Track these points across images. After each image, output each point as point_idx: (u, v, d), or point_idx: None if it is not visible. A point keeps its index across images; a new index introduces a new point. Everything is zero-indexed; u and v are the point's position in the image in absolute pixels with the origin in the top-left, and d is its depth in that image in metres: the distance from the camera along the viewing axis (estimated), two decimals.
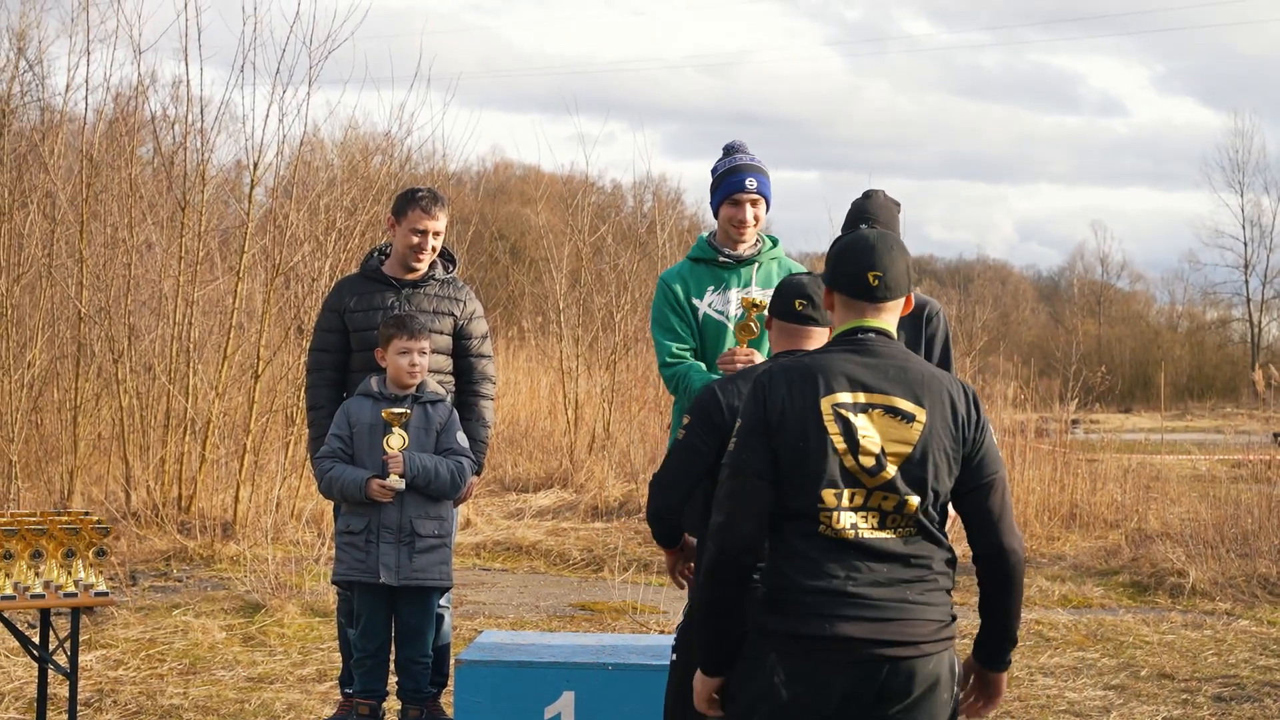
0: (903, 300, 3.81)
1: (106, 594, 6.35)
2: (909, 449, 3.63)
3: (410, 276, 6.53)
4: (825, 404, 3.63)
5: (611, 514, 13.79)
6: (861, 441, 3.61)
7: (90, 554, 6.34)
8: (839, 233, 6.22)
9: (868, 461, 3.61)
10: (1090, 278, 59.67)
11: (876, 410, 3.64)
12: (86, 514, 6.57)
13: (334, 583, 6.30)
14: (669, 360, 5.84)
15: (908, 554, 3.62)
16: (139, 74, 13.74)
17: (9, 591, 6.14)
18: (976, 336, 19.32)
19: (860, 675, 3.55)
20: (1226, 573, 11.15)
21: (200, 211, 12.13)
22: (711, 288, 5.88)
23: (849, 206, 6.14)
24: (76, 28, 12.41)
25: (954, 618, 3.69)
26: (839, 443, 3.60)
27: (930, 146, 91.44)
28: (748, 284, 5.84)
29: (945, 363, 6.20)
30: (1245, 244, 54.55)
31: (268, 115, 12.15)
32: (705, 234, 6.01)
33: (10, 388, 12.10)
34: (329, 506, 9.00)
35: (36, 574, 6.23)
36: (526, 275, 23.71)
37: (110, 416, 12.63)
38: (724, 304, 5.85)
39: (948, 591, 3.69)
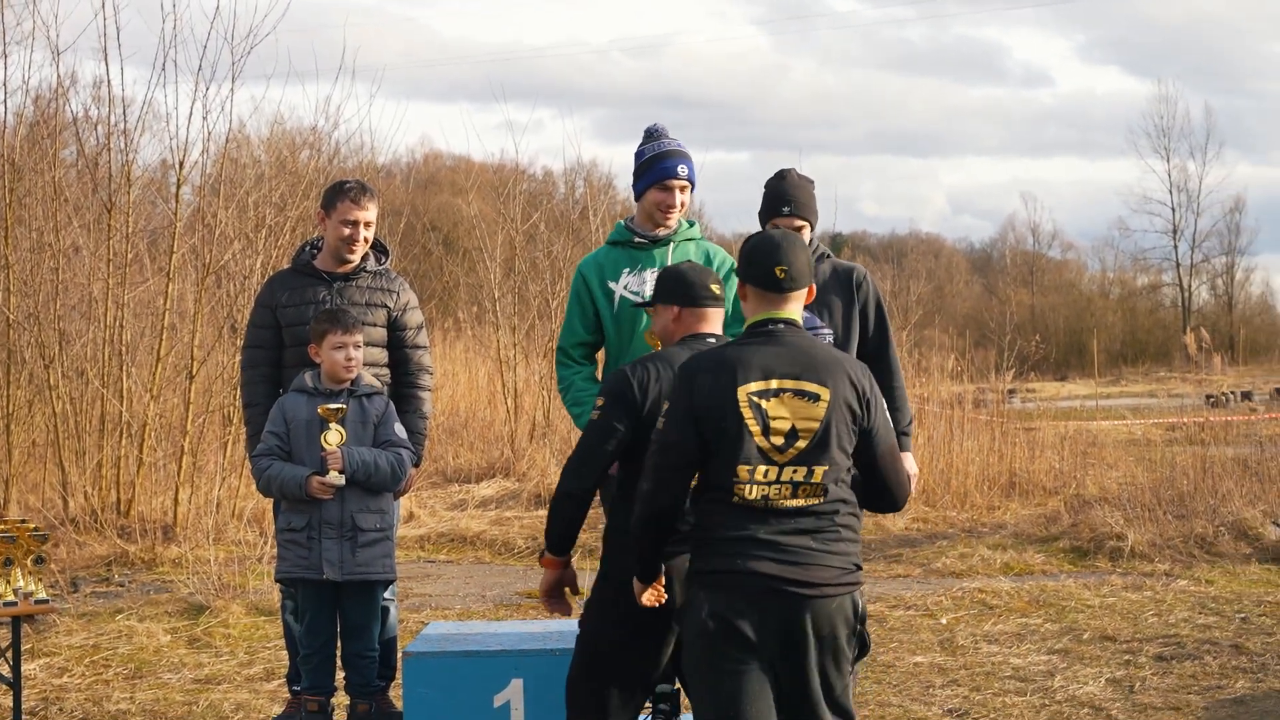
0: (805, 291, 4.43)
1: (47, 601, 6.32)
2: (816, 424, 4.23)
3: (342, 269, 6.50)
4: (741, 393, 4.22)
5: None
6: (772, 423, 4.21)
7: (29, 562, 6.30)
8: (760, 208, 6.32)
9: (778, 440, 4.21)
10: (1022, 248, 60.22)
11: (787, 393, 4.24)
12: (24, 522, 6.52)
13: (277, 580, 6.28)
14: (562, 356, 5.98)
15: (814, 511, 4.23)
16: (58, 75, 13.59)
17: None
18: (912, 310, 19.49)
19: (773, 609, 4.15)
20: (1164, 534, 11.31)
21: (127, 213, 12.04)
22: (627, 269, 5.93)
23: (765, 186, 6.20)
24: None
25: (858, 566, 4.30)
26: (753, 425, 4.20)
27: (859, 123, 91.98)
28: (663, 264, 5.88)
29: (881, 326, 6.26)
30: (1173, 209, 55.23)
31: (191, 113, 12.07)
32: (625, 219, 6.06)
33: None
34: (269, 505, 8.98)
35: None
36: (460, 266, 23.66)
37: (44, 423, 12.52)
38: (639, 285, 5.89)
39: (852, 541, 4.30)
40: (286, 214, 12.70)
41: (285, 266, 6.87)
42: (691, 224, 6.03)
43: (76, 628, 8.72)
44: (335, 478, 6.02)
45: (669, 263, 5.84)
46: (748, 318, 4.44)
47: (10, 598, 6.22)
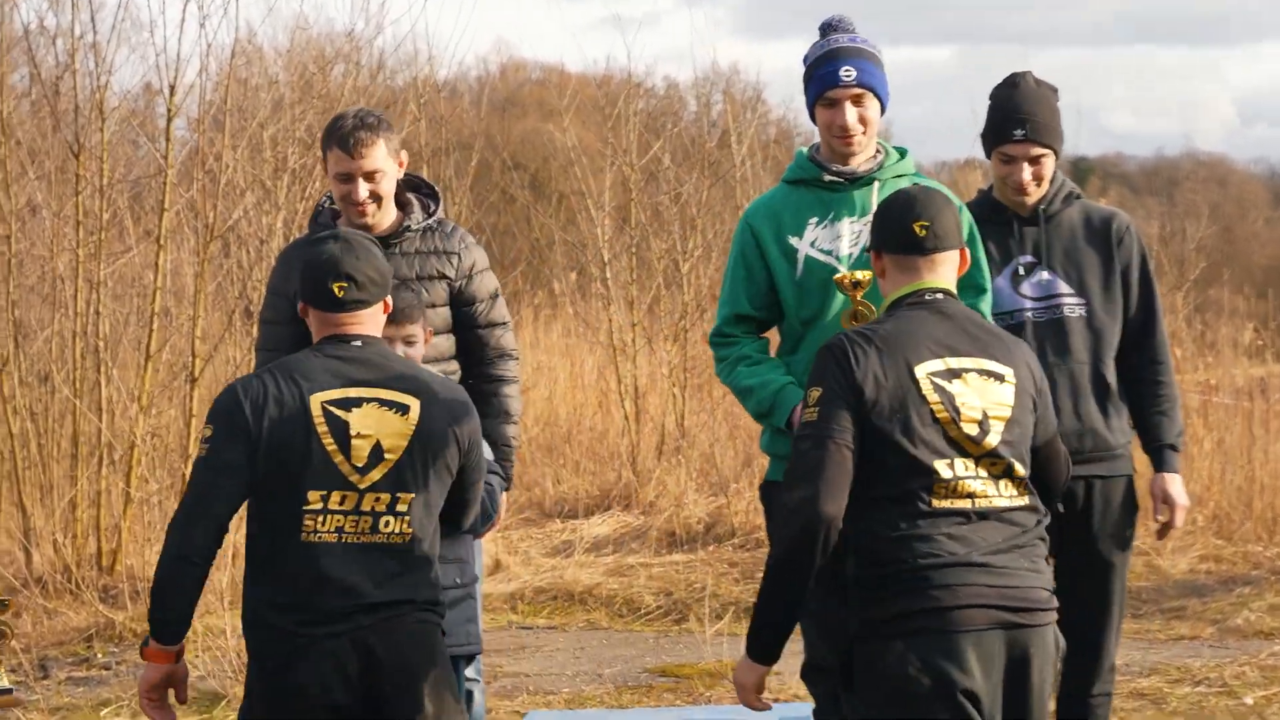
0: (956, 254, 4.95)
1: (10, 691, 6.44)
2: (1009, 410, 4.80)
3: (378, 233, 6.48)
4: (921, 372, 4.73)
5: (694, 542, 13.81)
6: (962, 409, 4.74)
7: None
8: (982, 129, 6.33)
9: (971, 429, 4.73)
10: None
11: (970, 373, 4.78)
12: None
13: None
14: (718, 338, 6.04)
15: (1019, 520, 4.78)
16: None
17: None
18: (1189, 263, 19.22)
19: (991, 643, 4.63)
20: None
21: (101, 157, 12.24)
22: (815, 220, 5.92)
23: (989, 98, 6.19)
24: None
25: (1055, 589, 4.82)
26: (941, 412, 4.72)
27: (1106, 2, 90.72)
28: (864, 213, 5.86)
29: (1148, 296, 6.24)
30: None
31: (184, 18, 12.24)
32: (806, 148, 6.04)
33: None
34: None
35: None
36: (556, 217, 23.72)
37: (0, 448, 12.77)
38: (832, 240, 5.88)
39: (1046, 558, 4.85)
40: (315, 153, 12.83)
41: (302, 234, 6.92)
42: (903, 154, 6.01)
43: None
44: None
45: (872, 209, 5.80)
46: (888, 294, 4.95)
47: None
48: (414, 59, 16.81)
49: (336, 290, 5.20)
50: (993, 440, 4.75)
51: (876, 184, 5.90)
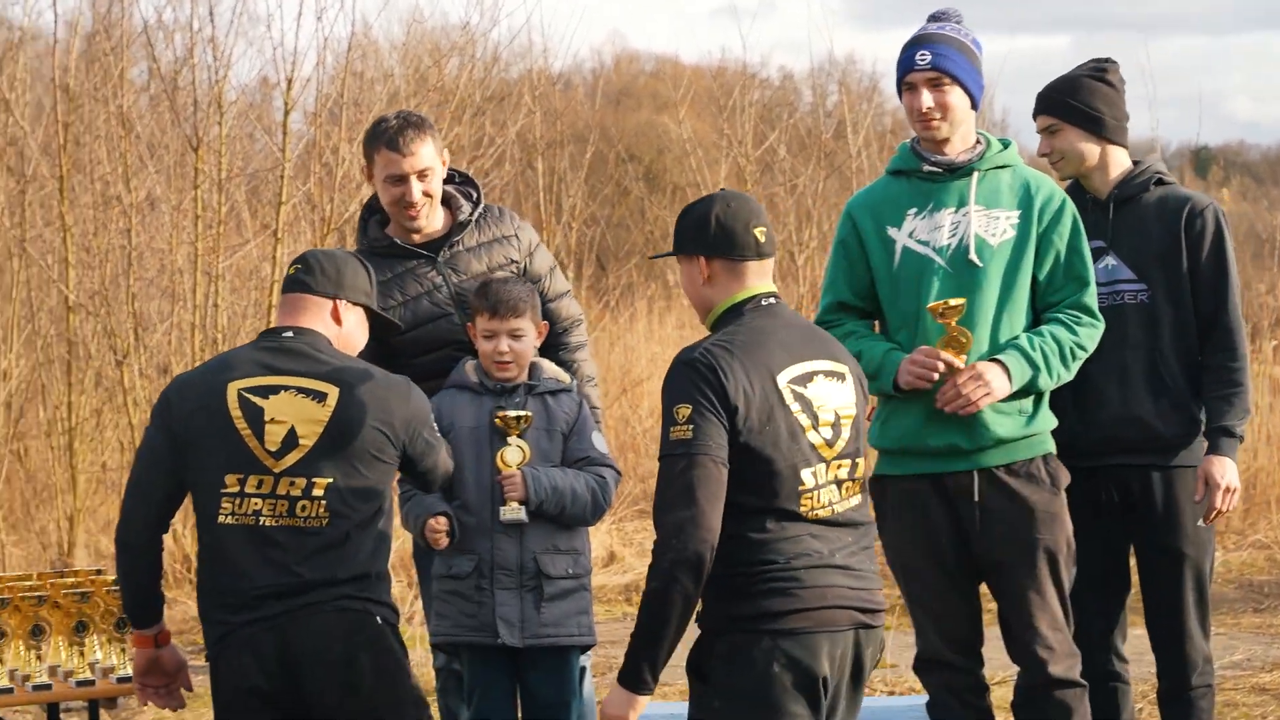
0: (773, 261, 5.03)
1: (131, 679, 6.54)
2: (854, 409, 4.92)
3: (430, 233, 6.48)
4: (782, 381, 4.79)
5: None
6: (819, 414, 4.83)
7: (108, 626, 6.51)
8: None
9: (827, 433, 4.84)
10: None
11: (819, 375, 4.88)
12: (99, 572, 6.75)
13: (434, 646, 6.39)
14: (820, 325, 5.94)
15: (862, 519, 4.94)
16: None
17: (4, 683, 6.31)
18: None
19: (846, 643, 4.81)
20: None
21: (219, 151, 12.35)
22: (914, 211, 5.94)
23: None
24: None
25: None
26: (802, 419, 4.80)
27: None
28: (962, 203, 5.86)
29: (1221, 280, 6.16)
30: None
31: (300, 12, 12.34)
32: (910, 140, 6.05)
33: None
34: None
35: (38, 657, 6.40)
36: (670, 208, 23.69)
37: (117, 438, 12.89)
38: (930, 231, 5.89)
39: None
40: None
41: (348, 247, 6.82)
42: (1006, 144, 6.01)
43: (168, 712, 8.99)
44: (515, 511, 6.06)
45: (971, 201, 5.86)
46: (717, 301, 5.00)
47: (85, 674, 6.43)
48: (528, 51, 16.86)
49: (289, 269, 5.52)
50: (843, 443, 4.87)
51: (975, 175, 5.90)
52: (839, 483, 4.86)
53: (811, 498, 4.79)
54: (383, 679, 5.25)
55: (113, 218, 12.68)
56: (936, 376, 5.72)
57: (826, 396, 4.86)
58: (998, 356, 5.75)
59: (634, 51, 40.84)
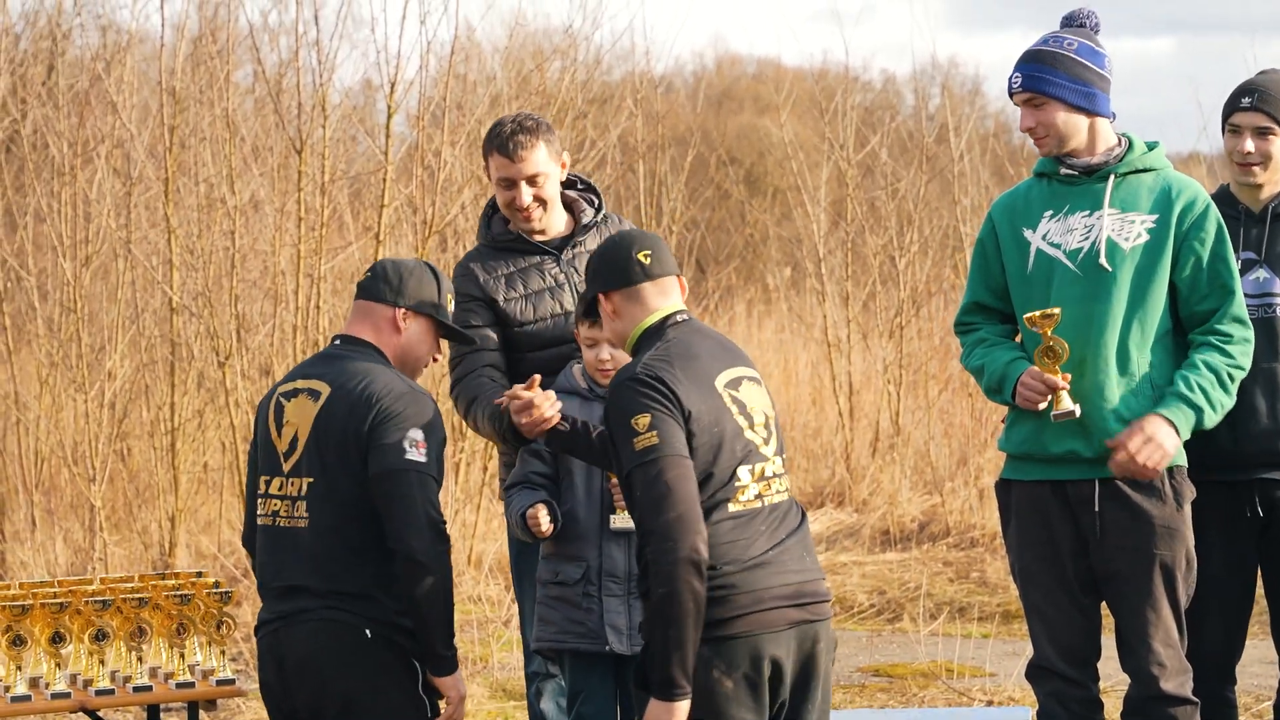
0: (675, 279, 5.26)
1: (232, 681, 6.58)
2: (773, 410, 5.21)
3: (556, 235, 6.56)
4: (719, 385, 5.05)
5: (909, 540, 13.75)
6: (753, 415, 5.10)
7: (208, 628, 6.56)
8: (1216, 124, 6.32)
9: (762, 432, 5.11)
10: None
11: (744, 381, 5.15)
12: (199, 574, 6.80)
13: (537, 652, 6.38)
14: (959, 326, 6.20)
15: (793, 512, 5.14)
16: None
17: (106, 684, 6.38)
18: None
19: (789, 641, 4.99)
20: None
21: (322, 154, 12.41)
22: (1050, 213, 5.95)
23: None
24: None
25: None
26: (741, 420, 5.06)
27: None
28: (1096, 206, 5.84)
29: (1219, 272, 5.95)
30: None
31: (405, 15, 12.36)
32: None
33: (86, 408, 12.53)
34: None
35: (139, 658, 6.47)
36: (771, 212, 23.72)
37: (220, 440, 12.99)
38: (1063, 234, 5.89)
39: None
40: None
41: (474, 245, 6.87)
42: (1152, 146, 5.97)
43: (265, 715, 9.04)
44: (625, 519, 5.99)
45: (1105, 204, 5.84)
46: (630, 330, 5.25)
47: (185, 676, 6.48)
48: (630, 54, 16.89)
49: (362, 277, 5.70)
50: (775, 441, 5.17)
51: (1112, 178, 5.87)
52: (775, 477, 5.12)
53: (747, 491, 5.02)
54: (372, 691, 5.31)
55: (217, 219, 12.75)
56: (1043, 405, 5.74)
57: (753, 399, 5.14)
58: (1160, 411, 5.72)
59: (735, 54, 40.86)
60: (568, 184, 6.71)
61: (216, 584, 6.66)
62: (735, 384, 5.13)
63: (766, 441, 5.13)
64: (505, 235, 6.59)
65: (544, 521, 6.02)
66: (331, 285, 12.93)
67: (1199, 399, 5.72)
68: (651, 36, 24.80)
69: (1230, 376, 5.78)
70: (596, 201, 6.69)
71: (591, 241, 6.53)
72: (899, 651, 10.63)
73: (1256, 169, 6.21)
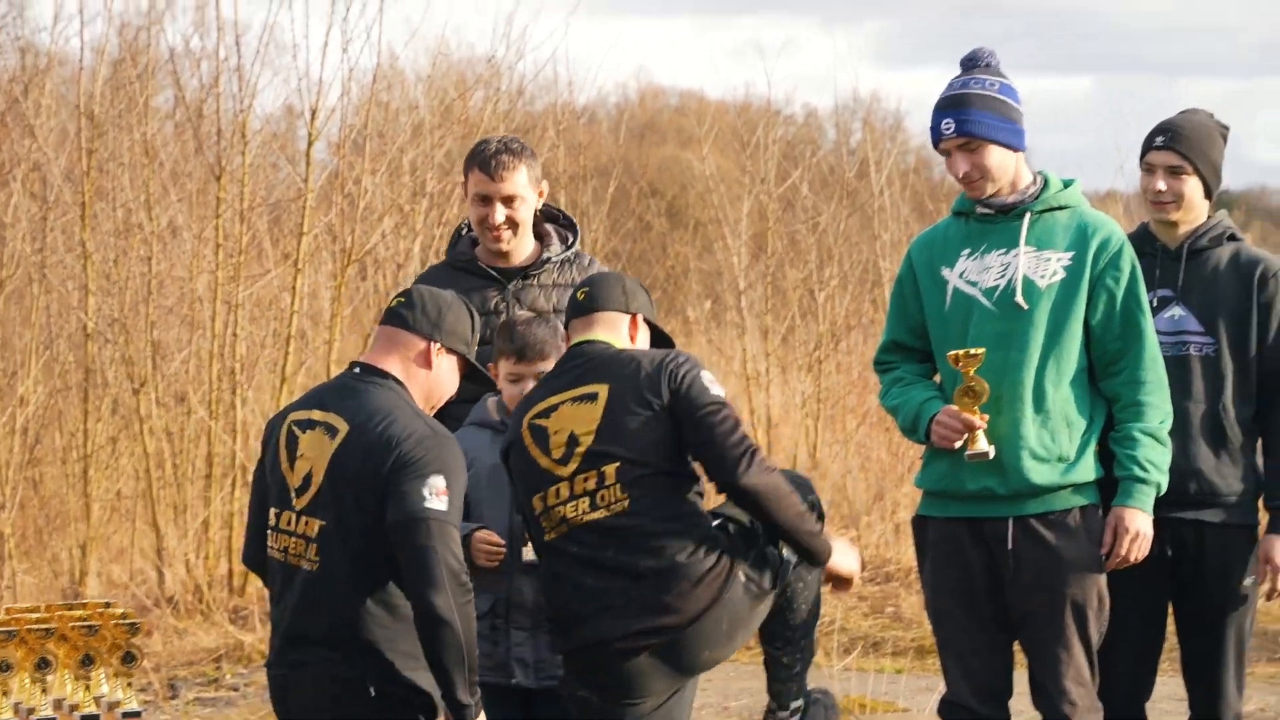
0: (618, 314, 5.60)
1: (138, 714, 6.48)
2: (597, 422, 5.32)
3: (516, 263, 6.52)
4: (526, 420, 5.44)
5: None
6: (552, 439, 5.36)
7: (115, 660, 6.47)
8: (1133, 162, 6.34)
9: (558, 453, 5.34)
10: None
11: (565, 404, 5.39)
12: (108, 604, 6.71)
13: None
14: (877, 365, 6.20)
15: (622, 525, 5.31)
16: None
17: (9, 716, 6.28)
18: None
19: (613, 669, 5.35)
20: None
21: (242, 180, 12.36)
22: (967, 251, 5.93)
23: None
24: None
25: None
26: (534, 449, 5.39)
27: (1252, 30, 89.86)
28: (1013, 244, 5.83)
29: (1131, 311, 5.98)
30: None
31: (326, 42, 12.35)
32: None
33: None
34: None
35: (44, 690, 6.38)
36: (692, 244, 23.71)
37: (133, 467, 12.89)
38: (979, 272, 5.88)
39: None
40: (454, 178, 12.88)
41: (438, 261, 6.91)
42: (1068, 183, 5.96)
43: None
44: (532, 553, 6.00)
45: (1021, 242, 5.83)
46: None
47: (90, 709, 6.39)
48: (554, 84, 16.87)
49: (392, 301, 5.47)
50: (576, 459, 5.33)
51: (1028, 216, 5.85)
52: (580, 495, 5.34)
53: (548, 518, 5.38)
54: None
55: (134, 245, 12.68)
56: (959, 443, 5.73)
57: (566, 420, 5.40)
58: (1128, 504, 5.77)
59: (659, 86, 40.88)
60: (550, 216, 6.70)
61: (125, 615, 6.57)
62: (549, 411, 5.51)
63: (564, 462, 5.41)
64: (462, 257, 6.57)
65: (486, 551, 5.99)
66: (249, 312, 12.86)
67: (1154, 475, 5.78)
68: (575, 67, 24.75)
69: (1162, 426, 5.81)
70: (571, 239, 6.66)
71: (548, 276, 6.52)
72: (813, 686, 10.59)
73: (1169, 207, 6.24)
